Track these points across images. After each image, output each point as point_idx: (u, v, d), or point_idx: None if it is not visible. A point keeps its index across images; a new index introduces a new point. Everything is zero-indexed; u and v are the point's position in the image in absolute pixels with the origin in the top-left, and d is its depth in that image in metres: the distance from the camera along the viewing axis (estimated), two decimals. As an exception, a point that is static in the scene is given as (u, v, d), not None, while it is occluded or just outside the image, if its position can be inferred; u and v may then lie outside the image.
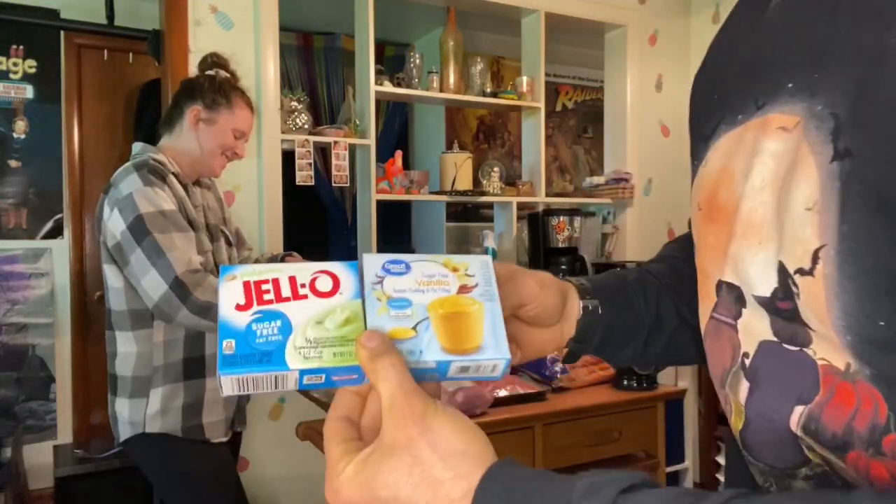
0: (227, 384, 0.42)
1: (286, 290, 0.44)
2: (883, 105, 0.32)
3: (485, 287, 0.47)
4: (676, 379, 2.67)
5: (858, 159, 0.33)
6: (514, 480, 0.37)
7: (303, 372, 0.42)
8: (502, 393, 2.02)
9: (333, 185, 2.73)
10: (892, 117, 0.32)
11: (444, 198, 2.95)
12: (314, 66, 4.30)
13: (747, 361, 0.43)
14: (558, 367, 2.19)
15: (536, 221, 3.07)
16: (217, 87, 1.76)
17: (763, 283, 0.40)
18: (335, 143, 2.58)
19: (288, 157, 2.55)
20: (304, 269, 0.45)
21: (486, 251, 2.93)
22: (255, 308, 0.43)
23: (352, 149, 2.69)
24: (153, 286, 1.53)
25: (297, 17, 3.69)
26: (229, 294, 0.44)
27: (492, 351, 0.44)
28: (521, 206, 3.11)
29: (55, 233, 3.33)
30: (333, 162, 2.59)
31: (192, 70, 2.23)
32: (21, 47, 3.25)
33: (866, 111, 0.33)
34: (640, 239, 3.35)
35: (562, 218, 3.00)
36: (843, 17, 0.36)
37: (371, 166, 2.66)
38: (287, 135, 2.54)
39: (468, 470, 0.38)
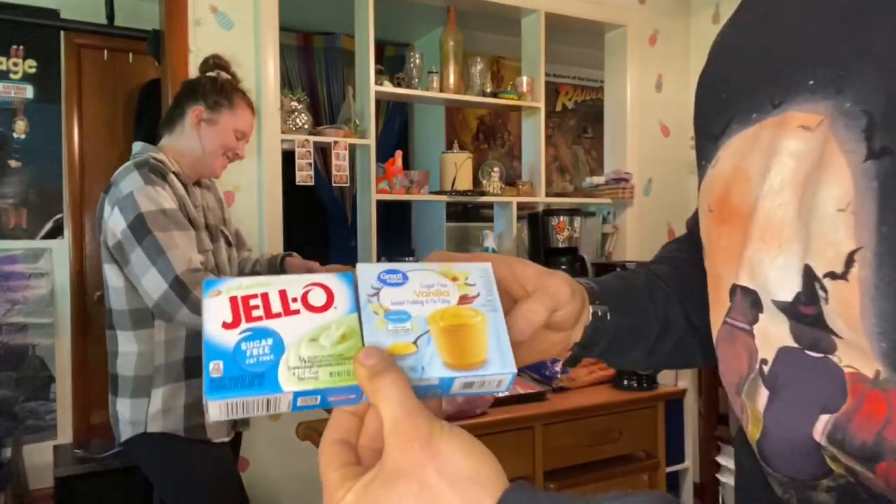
0: (215, 409, 0.38)
1: (276, 306, 0.41)
2: None
3: (486, 297, 0.44)
4: (676, 379, 2.67)
5: None
6: None
7: (297, 394, 0.39)
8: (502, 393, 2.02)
9: (333, 185, 2.73)
10: None
11: (444, 198, 2.95)
12: (314, 66, 4.30)
13: (766, 368, 0.41)
14: (558, 367, 2.19)
15: (536, 221, 3.07)
16: (219, 87, 1.76)
17: (784, 287, 0.38)
18: (335, 143, 2.58)
19: (288, 157, 2.55)
20: (294, 282, 0.42)
21: (486, 251, 2.93)
22: (244, 326, 0.40)
23: (352, 149, 2.69)
24: (153, 285, 1.53)
25: (297, 17, 3.69)
26: (215, 311, 0.40)
27: (497, 365, 0.42)
28: (521, 206, 3.11)
29: (55, 233, 3.33)
30: (333, 162, 2.59)
31: (193, 70, 2.23)
32: (21, 47, 3.25)
33: None
34: (640, 239, 3.35)
35: (562, 218, 3.00)
36: (873, 15, 0.35)
37: (371, 166, 2.66)
38: (287, 135, 2.54)
39: (479, 497, 0.35)
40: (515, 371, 0.42)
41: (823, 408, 0.37)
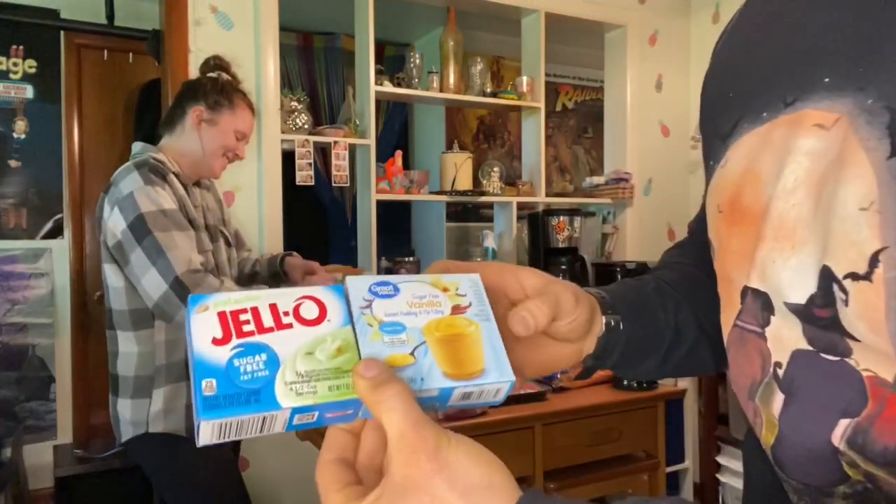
0: (207, 431, 0.36)
1: (268, 320, 0.39)
2: None
3: (479, 307, 0.44)
4: (676, 379, 2.67)
5: None
6: None
7: (295, 410, 0.37)
8: (502, 393, 2.02)
9: (333, 185, 2.73)
10: None
11: (444, 198, 2.95)
12: (314, 66, 4.30)
13: (780, 372, 0.40)
14: (558, 367, 2.19)
15: (536, 221, 3.07)
16: (220, 88, 1.76)
17: (797, 289, 0.37)
18: (335, 143, 2.58)
19: (288, 157, 2.55)
20: (284, 296, 0.41)
21: (485, 251, 2.93)
22: (235, 341, 0.38)
23: (352, 149, 2.69)
24: (153, 285, 1.53)
25: (297, 17, 3.69)
26: (203, 327, 0.38)
27: (495, 374, 0.42)
28: (521, 206, 3.11)
29: (55, 233, 3.33)
30: (333, 162, 2.59)
31: (193, 70, 2.24)
32: (21, 47, 3.25)
33: None
34: (640, 239, 3.35)
35: (562, 218, 3.00)
36: (894, 8, 0.34)
37: (371, 166, 2.66)
38: (287, 135, 2.54)
39: None
40: (513, 379, 0.42)
41: (843, 412, 0.36)
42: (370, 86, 2.67)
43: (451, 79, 2.91)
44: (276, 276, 1.96)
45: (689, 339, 0.59)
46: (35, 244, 3.29)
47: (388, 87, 2.75)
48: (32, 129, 3.28)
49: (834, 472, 0.38)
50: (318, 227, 4.50)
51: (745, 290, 0.42)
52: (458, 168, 2.87)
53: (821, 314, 0.36)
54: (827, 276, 0.35)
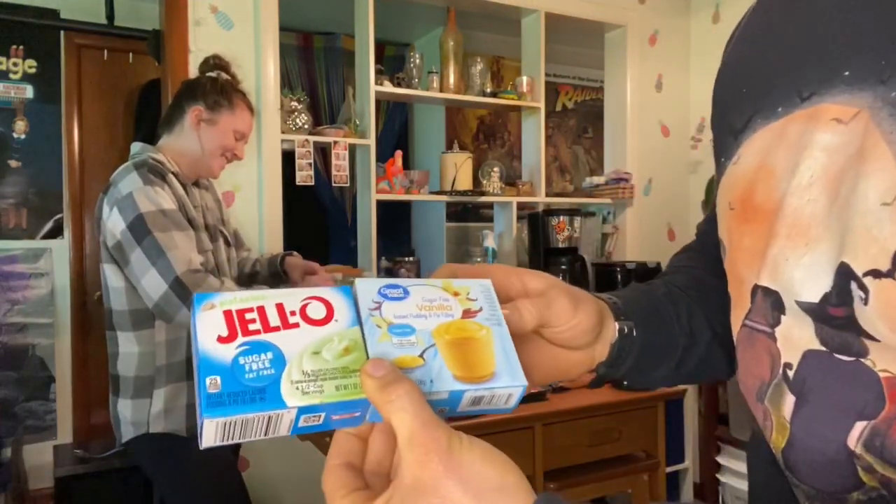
0: (211, 431, 0.35)
1: (274, 319, 0.39)
2: None
3: (490, 311, 0.43)
4: (676, 379, 2.66)
5: None
6: None
7: (301, 410, 0.36)
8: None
9: (333, 185, 2.73)
10: None
11: (444, 198, 2.95)
12: (314, 66, 4.30)
13: (790, 373, 0.39)
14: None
15: (536, 221, 3.07)
16: (219, 88, 1.76)
17: (810, 287, 0.36)
18: (335, 143, 2.58)
19: (288, 157, 2.55)
20: (291, 296, 0.41)
21: (485, 251, 2.93)
22: (241, 339, 0.38)
23: (352, 149, 2.69)
24: (153, 286, 1.53)
25: (297, 17, 3.69)
26: (208, 325, 0.38)
27: (507, 378, 0.40)
28: (521, 206, 3.11)
29: (55, 233, 3.33)
30: (333, 162, 2.59)
31: (193, 70, 2.24)
32: (21, 47, 3.25)
33: None
34: (640, 239, 3.35)
35: (562, 218, 3.00)
36: None
37: (371, 166, 2.66)
38: (287, 135, 2.54)
39: None
40: (525, 384, 0.41)
41: (859, 414, 0.35)
42: (370, 86, 2.67)
43: (451, 79, 2.91)
44: (276, 275, 1.96)
45: (702, 346, 0.57)
46: (35, 244, 3.29)
47: (388, 87, 2.75)
48: (32, 129, 3.28)
49: (848, 477, 0.37)
50: (318, 227, 4.50)
51: (756, 289, 0.41)
52: (458, 168, 2.87)
53: (835, 313, 0.35)
54: (844, 274, 0.34)
